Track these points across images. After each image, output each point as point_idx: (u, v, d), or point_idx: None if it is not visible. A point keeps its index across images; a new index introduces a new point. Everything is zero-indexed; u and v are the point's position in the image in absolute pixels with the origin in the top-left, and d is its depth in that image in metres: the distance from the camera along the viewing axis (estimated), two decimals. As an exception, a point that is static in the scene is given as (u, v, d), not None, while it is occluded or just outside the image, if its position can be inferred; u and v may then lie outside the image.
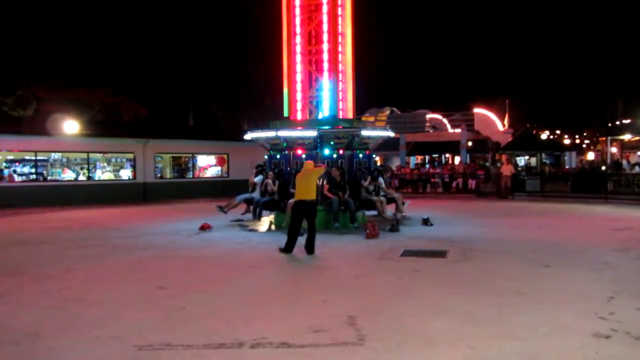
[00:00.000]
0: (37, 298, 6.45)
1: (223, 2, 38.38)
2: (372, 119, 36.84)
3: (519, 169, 34.37)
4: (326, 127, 13.04)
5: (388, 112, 38.62)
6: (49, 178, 21.46)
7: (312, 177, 9.56)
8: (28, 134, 20.87)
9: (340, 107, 13.83)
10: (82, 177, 22.07)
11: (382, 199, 13.10)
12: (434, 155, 41.13)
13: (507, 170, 22.56)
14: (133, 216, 16.33)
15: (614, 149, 32.91)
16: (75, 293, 6.64)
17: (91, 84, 33.66)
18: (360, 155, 13.68)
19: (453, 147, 35.76)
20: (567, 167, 38.31)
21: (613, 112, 41.00)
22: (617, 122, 34.87)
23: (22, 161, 21.22)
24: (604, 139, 35.12)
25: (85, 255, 9.43)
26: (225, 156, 26.23)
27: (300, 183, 9.39)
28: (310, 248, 9.12)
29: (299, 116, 13.76)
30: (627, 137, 30.43)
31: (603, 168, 30.73)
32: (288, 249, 9.17)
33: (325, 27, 13.40)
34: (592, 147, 51.05)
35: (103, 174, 22.76)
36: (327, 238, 11.09)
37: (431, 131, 35.91)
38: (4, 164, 20.87)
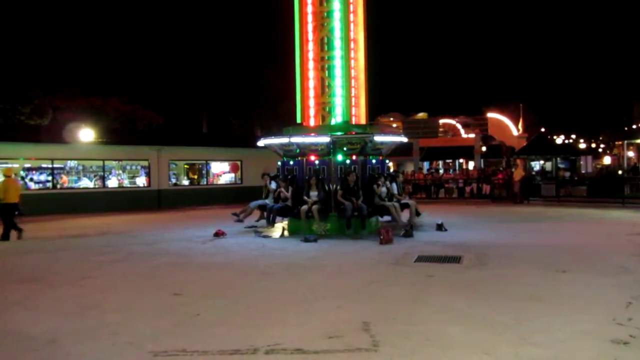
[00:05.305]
0: (54, 305, 6.53)
1: (235, 10, 38.71)
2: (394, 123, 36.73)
3: (533, 173, 34.06)
4: (339, 133, 13.02)
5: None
6: (65, 185, 21.72)
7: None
8: (45, 142, 21.20)
9: (353, 112, 13.80)
10: (95, 184, 22.30)
11: (396, 204, 13.03)
12: (447, 161, 40.95)
13: (517, 175, 22.48)
14: (148, 223, 16.46)
15: (630, 153, 32.51)
16: (91, 300, 6.71)
17: (106, 93, 34.15)
18: (374, 161, 13.64)
19: (467, 152, 35.60)
20: (583, 171, 37.87)
21: (629, 116, 40.47)
22: (634, 126, 34.42)
23: (39, 169, 21.51)
24: (620, 142, 34.71)
25: (101, 262, 9.52)
26: (238, 163, 26.36)
27: (16, 187, 13.05)
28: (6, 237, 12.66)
29: (312, 122, 13.76)
30: (643, 140, 30.07)
31: (620, 172, 30.34)
32: (6, 237, 12.58)
33: (337, 33, 13.41)
34: (608, 152, 50.44)
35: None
36: (341, 244, 11.11)
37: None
38: (22, 173, 21.15)
